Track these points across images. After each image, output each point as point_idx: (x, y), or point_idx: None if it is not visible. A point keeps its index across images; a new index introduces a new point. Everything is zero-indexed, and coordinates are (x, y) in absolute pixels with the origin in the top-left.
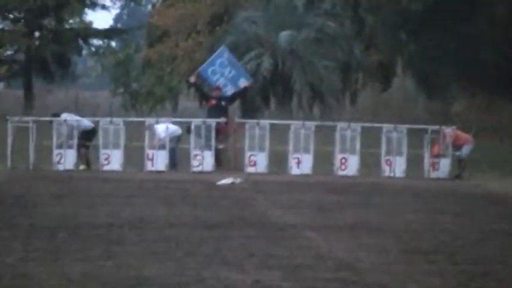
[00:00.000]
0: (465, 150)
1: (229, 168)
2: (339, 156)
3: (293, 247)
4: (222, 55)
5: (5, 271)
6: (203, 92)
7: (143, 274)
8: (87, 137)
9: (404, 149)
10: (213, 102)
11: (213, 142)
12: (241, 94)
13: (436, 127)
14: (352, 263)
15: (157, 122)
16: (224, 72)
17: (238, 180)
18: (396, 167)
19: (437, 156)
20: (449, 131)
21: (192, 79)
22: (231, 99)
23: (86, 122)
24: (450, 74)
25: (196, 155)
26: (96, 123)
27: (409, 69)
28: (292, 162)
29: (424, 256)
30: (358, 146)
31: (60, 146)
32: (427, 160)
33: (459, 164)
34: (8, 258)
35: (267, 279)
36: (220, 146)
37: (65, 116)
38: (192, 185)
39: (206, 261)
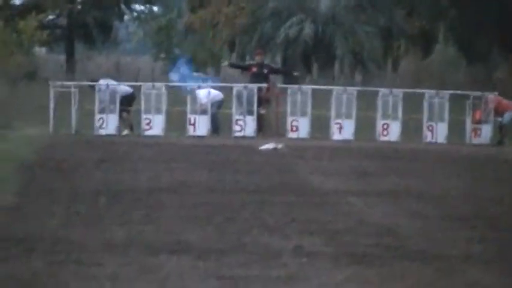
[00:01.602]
0: (507, 116)
1: (271, 133)
2: (380, 122)
3: (334, 213)
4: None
5: (47, 235)
6: (241, 66)
7: (184, 239)
8: (127, 101)
9: (446, 115)
10: (254, 70)
11: (255, 107)
12: (287, 74)
13: (478, 93)
14: (393, 229)
15: (199, 87)
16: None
17: (280, 146)
18: (438, 133)
19: (479, 122)
20: (491, 97)
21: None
22: (275, 71)
23: (125, 87)
24: (491, 40)
25: (238, 120)
26: (138, 88)
27: (450, 35)
28: (334, 128)
29: (465, 222)
30: (400, 112)
31: (102, 111)
32: (468, 126)
33: (501, 130)
34: (50, 222)
35: (308, 244)
36: (262, 111)
37: (102, 81)
38: (234, 150)
39: (247, 227)
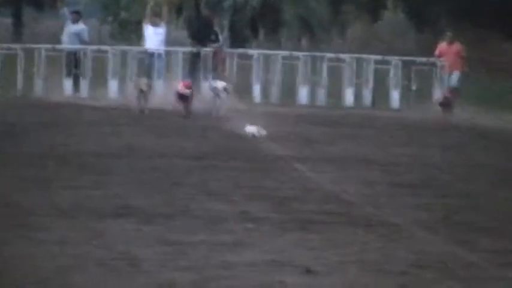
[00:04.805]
0: (455, 78)
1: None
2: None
3: (281, 179)
4: None
5: None
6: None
7: (130, 204)
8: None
9: (395, 81)
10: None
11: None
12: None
13: (424, 59)
14: (339, 195)
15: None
16: None
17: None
18: (386, 99)
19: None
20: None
21: None
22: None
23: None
24: (440, 8)
25: None
26: (85, 51)
27: (399, 2)
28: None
29: (411, 189)
30: (347, 78)
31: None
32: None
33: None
34: None
35: (254, 210)
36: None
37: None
38: (180, 115)
39: (193, 192)
